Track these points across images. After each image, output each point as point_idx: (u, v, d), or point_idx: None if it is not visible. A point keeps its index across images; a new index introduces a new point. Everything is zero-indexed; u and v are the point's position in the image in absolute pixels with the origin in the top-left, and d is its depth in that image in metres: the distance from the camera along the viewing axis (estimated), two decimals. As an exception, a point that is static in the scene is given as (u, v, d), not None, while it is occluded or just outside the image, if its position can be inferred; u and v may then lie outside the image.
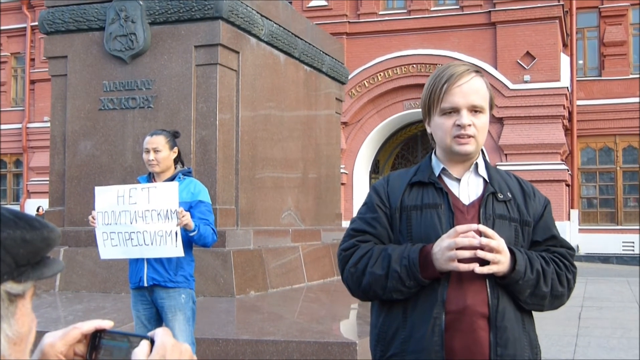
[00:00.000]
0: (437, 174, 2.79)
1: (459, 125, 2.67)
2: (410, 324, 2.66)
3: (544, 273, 2.68)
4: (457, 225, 2.60)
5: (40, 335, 1.33)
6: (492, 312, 2.60)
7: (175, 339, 1.27)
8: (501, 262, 2.55)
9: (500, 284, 2.63)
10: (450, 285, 2.61)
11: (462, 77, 2.70)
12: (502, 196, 2.75)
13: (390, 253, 2.67)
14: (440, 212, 2.67)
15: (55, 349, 1.27)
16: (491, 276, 2.61)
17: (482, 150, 2.85)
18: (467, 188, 2.77)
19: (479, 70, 2.80)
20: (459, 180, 2.78)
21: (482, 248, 2.52)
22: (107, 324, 1.31)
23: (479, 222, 2.65)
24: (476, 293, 2.61)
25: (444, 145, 2.74)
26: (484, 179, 2.80)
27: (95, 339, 1.30)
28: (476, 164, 2.80)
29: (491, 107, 2.80)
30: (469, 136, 2.68)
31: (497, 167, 2.92)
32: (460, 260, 2.53)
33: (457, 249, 2.52)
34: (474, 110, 2.69)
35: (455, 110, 2.69)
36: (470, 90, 2.69)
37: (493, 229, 2.62)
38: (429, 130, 2.85)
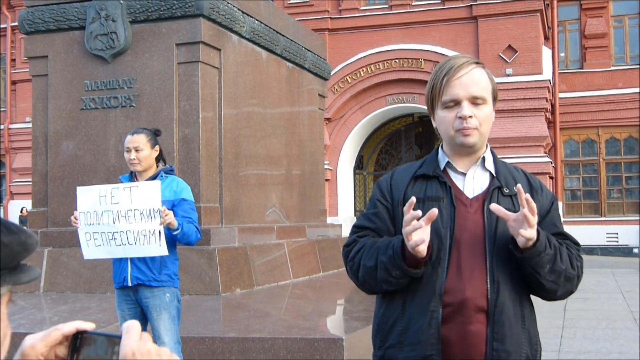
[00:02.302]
0: (442, 168, 2.79)
1: (460, 118, 2.67)
2: (408, 316, 2.66)
3: (560, 250, 2.68)
4: (458, 218, 2.63)
5: (23, 336, 1.32)
6: (491, 306, 2.60)
7: (139, 340, 1.26)
8: (534, 227, 2.54)
9: (523, 263, 2.60)
10: (448, 277, 2.61)
11: (462, 68, 2.70)
12: (507, 190, 2.74)
13: (379, 245, 2.68)
14: (442, 205, 2.67)
15: (35, 351, 1.26)
16: (492, 269, 2.62)
17: (488, 145, 2.85)
18: (473, 182, 2.77)
19: (479, 62, 2.79)
20: (464, 174, 2.78)
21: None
22: (88, 325, 1.29)
23: (482, 216, 2.66)
24: (475, 286, 2.61)
25: (448, 138, 2.74)
26: (490, 173, 2.79)
27: (76, 340, 1.29)
28: (483, 157, 2.80)
29: (495, 98, 2.79)
30: (472, 128, 2.67)
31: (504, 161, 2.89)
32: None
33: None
34: (475, 101, 2.69)
35: (456, 103, 2.69)
36: (470, 81, 2.69)
37: (497, 223, 2.63)
38: (434, 124, 2.84)
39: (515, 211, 2.64)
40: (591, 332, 9.56)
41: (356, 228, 2.88)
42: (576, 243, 2.88)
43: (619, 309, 11.60)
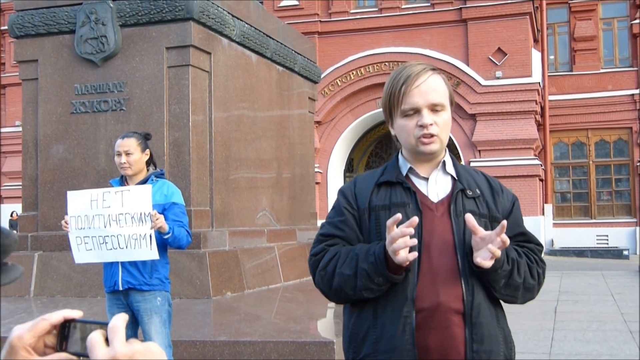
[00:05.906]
0: (404, 174, 2.79)
1: (421, 126, 2.67)
2: (381, 324, 2.64)
3: (518, 264, 2.69)
4: (426, 223, 2.63)
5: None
6: (468, 309, 2.60)
7: (126, 342, 1.25)
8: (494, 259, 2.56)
9: (476, 274, 2.62)
10: (420, 283, 2.60)
11: (419, 76, 2.69)
12: (471, 193, 2.75)
13: (358, 252, 2.66)
14: (409, 210, 2.66)
15: (23, 342, 1.26)
16: (466, 272, 2.62)
17: (447, 149, 2.85)
18: (436, 186, 2.77)
19: (435, 68, 2.79)
20: (427, 179, 2.78)
21: (412, 235, 2.48)
22: (76, 313, 1.29)
23: (450, 219, 2.67)
24: (449, 289, 2.60)
25: (409, 146, 2.74)
26: (452, 176, 2.80)
27: (64, 329, 1.29)
28: (444, 162, 2.80)
29: (452, 103, 2.79)
30: (433, 135, 2.67)
31: (470, 164, 2.92)
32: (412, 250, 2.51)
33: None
34: (435, 108, 2.69)
35: (416, 111, 2.68)
36: (429, 89, 2.68)
37: (464, 225, 2.63)
38: (392, 132, 2.85)
39: (479, 213, 2.68)
40: (582, 334, 9.59)
41: (323, 237, 2.85)
42: (538, 244, 2.90)
43: (609, 311, 11.64)
